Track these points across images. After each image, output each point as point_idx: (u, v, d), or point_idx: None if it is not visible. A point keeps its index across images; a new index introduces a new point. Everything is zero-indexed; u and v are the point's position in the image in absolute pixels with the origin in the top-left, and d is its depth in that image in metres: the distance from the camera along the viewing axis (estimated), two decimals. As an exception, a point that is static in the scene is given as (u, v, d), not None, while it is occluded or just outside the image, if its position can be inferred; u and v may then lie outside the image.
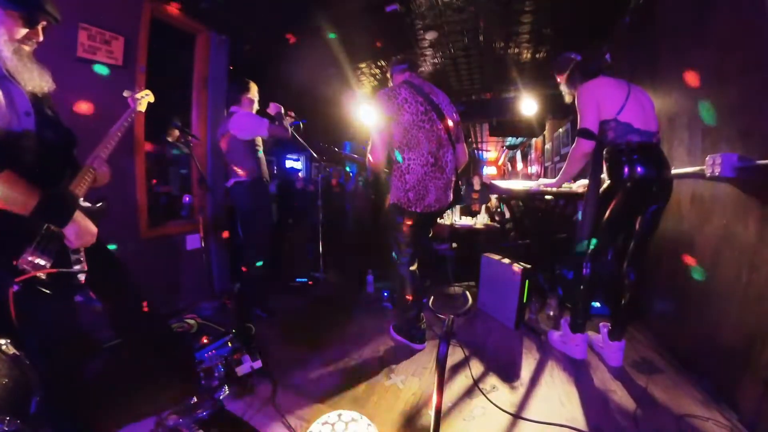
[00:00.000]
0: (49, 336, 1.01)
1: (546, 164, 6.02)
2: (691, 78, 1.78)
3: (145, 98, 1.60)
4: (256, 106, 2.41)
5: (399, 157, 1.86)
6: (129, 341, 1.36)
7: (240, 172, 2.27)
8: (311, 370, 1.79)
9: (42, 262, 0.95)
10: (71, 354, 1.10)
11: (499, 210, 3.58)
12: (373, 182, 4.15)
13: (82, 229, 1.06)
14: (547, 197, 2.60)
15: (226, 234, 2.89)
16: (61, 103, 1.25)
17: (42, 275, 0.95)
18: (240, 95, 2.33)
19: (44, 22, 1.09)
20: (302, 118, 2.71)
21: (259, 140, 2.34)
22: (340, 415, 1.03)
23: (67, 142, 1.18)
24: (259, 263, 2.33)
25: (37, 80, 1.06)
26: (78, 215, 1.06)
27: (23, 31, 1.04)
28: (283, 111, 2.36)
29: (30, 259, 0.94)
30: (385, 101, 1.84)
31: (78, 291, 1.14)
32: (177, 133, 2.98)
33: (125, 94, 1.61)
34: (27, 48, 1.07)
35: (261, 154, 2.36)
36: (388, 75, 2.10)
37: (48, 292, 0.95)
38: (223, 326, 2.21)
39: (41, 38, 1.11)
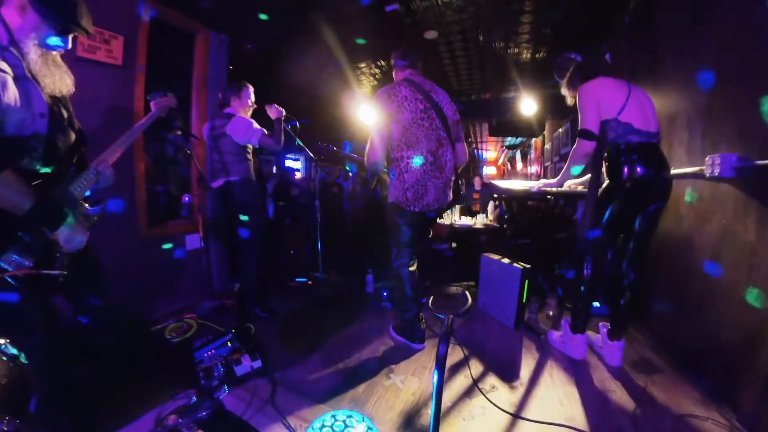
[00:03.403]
0: (27, 334, 1.02)
1: (546, 164, 6.03)
2: (691, 78, 1.78)
3: (167, 103, 1.62)
4: (250, 108, 2.42)
5: (417, 162, 1.82)
6: (91, 342, 1.37)
7: (233, 171, 2.32)
8: (311, 370, 1.79)
9: (25, 262, 0.96)
10: (56, 353, 1.11)
11: (504, 216, 3.59)
12: (372, 181, 4.16)
13: (72, 234, 1.07)
14: (548, 197, 2.60)
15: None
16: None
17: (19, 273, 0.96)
18: (230, 99, 2.36)
19: (75, 33, 1.13)
20: (302, 117, 2.72)
21: (249, 145, 2.39)
22: (339, 415, 1.03)
23: (77, 144, 1.19)
24: (249, 267, 2.39)
25: (58, 83, 1.09)
26: (70, 221, 1.06)
27: (53, 39, 1.07)
28: (284, 115, 2.37)
29: (14, 257, 0.95)
30: (385, 99, 1.83)
31: (56, 291, 1.14)
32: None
33: (149, 98, 1.63)
34: (54, 53, 1.10)
35: (250, 156, 2.41)
36: (392, 64, 2.07)
37: (14, 283, 0.96)
38: (222, 326, 2.21)
39: (70, 47, 1.14)
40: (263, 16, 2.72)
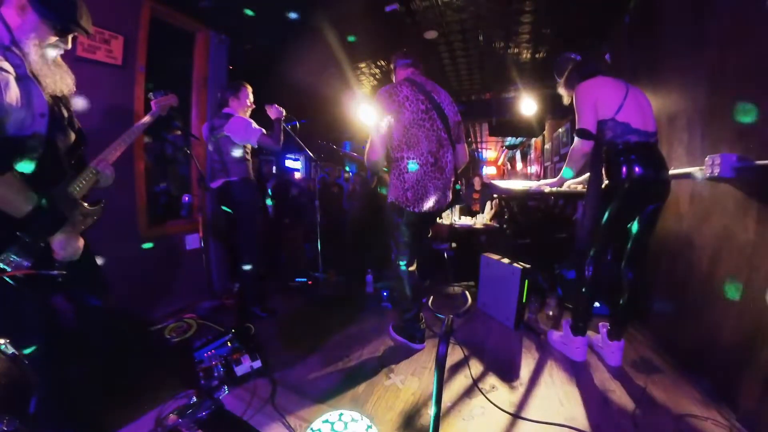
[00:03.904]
0: (26, 334, 1.02)
1: (546, 164, 6.03)
2: (691, 78, 1.78)
3: (167, 103, 1.62)
4: (248, 107, 2.42)
5: (413, 167, 1.83)
6: (90, 342, 1.37)
7: (232, 171, 2.32)
8: (311, 370, 1.79)
9: (24, 262, 0.96)
10: (56, 353, 1.11)
11: (505, 215, 3.58)
12: (372, 180, 4.15)
13: (67, 243, 1.07)
14: (548, 197, 2.61)
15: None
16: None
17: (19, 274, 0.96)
18: (228, 99, 2.37)
19: (75, 33, 1.13)
20: (302, 117, 2.72)
21: (248, 145, 2.39)
22: (339, 415, 1.03)
23: (77, 143, 1.19)
24: (248, 266, 2.37)
25: (59, 83, 1.09)
26: (67, 229, 1.06)
27: (53, 38, 1.07)
28: (284, 116, 2.37)
29: (12, 257, 0.95)
30: (386, 99, 1.83)
31: (55, 291, 1.14)
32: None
33: (150, 96, 1.63)
34: (54, 53, 1.10)
35: (249, 156, 2.41)
36: (392, 66, 2.08)
37: (13, 283, 0.96)
38: (222, 326, 2.21)
39: (69, 47, 1.14)
40: (249, 12, 2.69)
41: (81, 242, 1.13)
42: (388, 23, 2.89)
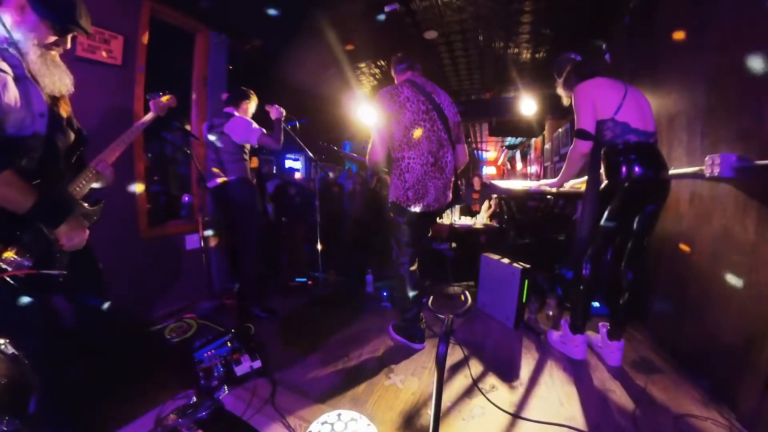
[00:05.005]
0: (26, 334, 1.02)
1: (545, 164, 6.03)
2: (691, 78, 1.78)
3: (166, 103, 1.62)
4: (251, 115, 2.49)
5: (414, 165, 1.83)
6: (90, 342, 1.37)
7: (229, 170, 2.33)
8: (311, 370, 1.79)
9: (24, 262, 0.96)
10: (56, 353, 1.11)
11: (505, 215, 3.57)
12: (372, 180, 4.15)
13: (73, 232, 1.07)
14: (548, 197, 2.61)
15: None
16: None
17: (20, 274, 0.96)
18: (240, 101, 2.41)
19: (74, 33, 1.13)
20: (302, 117, 2.72)
21: (247, 145, 2.41)
22: (339, 415, 1.03)
23: (77, 143, 1.19)
24: (249, 268, 2.42)
25: (57, 83, 1.09)
26: (71, 218, 1.06)
27: (52, 38, 1.07)
28: (284, 116, 2.39)
29: (12, 257, 0.95)
30: (387, 100, 1.84)
31: (56, 291, 1.14)
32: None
33: (148, 97, 1.63)
34: (53, 52, 1.10)
35: (247, 156, 2.43)
36: (392, 73, 2.10)
37: (14, 284, 0.96)
38: (222, 326, 2.21)
39: (69, 47, 1.14)
40: (273, 11, 2.72)
41: (86, 233, 1.14)
42: (388, 23, 2.89)
